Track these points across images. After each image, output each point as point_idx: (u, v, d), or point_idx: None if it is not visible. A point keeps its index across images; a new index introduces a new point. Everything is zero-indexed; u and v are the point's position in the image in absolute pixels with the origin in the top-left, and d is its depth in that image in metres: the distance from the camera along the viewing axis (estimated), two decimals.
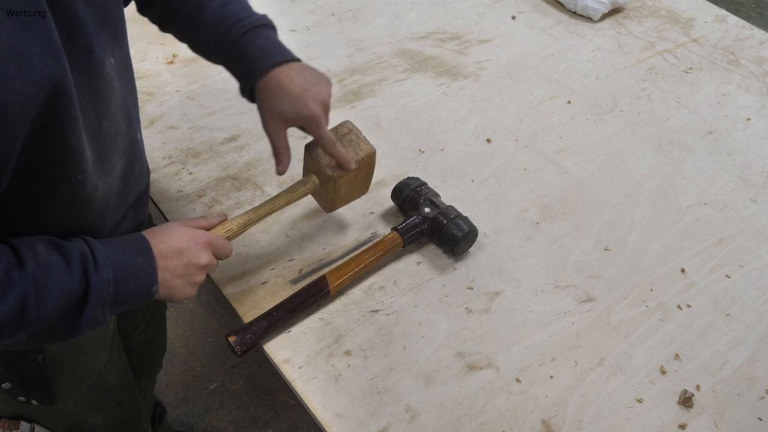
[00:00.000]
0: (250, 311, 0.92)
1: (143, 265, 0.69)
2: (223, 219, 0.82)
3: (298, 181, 0.91)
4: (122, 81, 0.70)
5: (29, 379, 0.83)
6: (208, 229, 0.80)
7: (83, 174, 0.64)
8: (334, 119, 1.23)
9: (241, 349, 0.85)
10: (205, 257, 0.75)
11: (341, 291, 0.95)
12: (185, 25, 0.86)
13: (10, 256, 0.60)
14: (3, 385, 0.82)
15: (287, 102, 0.79)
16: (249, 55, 0.79)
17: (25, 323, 0.60)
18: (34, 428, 0.93)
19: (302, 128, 0.86)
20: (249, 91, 0.84)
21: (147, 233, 0.72)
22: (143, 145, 0.82)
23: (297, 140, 1.18)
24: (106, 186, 0.71)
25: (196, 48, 0.89)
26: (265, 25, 0.82)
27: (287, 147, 0.85)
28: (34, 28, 0.52)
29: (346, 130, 0.91)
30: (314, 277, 0.95)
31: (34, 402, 0.86)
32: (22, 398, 0.85)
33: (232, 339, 0.86)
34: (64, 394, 0.88)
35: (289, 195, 0.89)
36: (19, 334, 0.61)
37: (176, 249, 0.72)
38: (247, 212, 0.86)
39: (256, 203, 1.06)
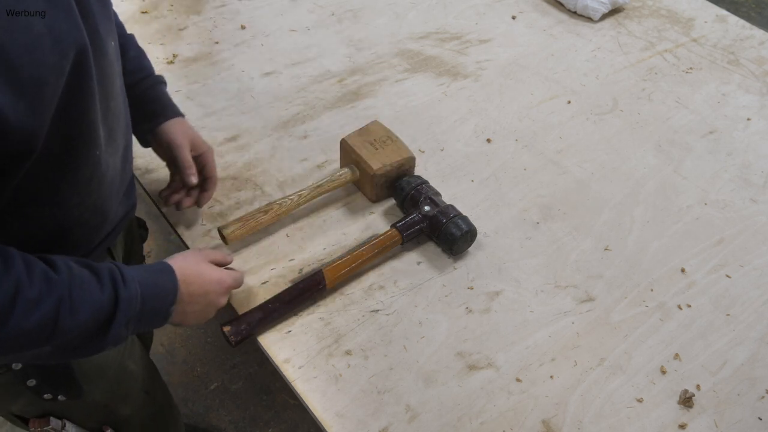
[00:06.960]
0: None
1: (168, 286, 0.74)
2: (230, 260, 0.90)
3: (338, 173, 1.06)
4: (119, 67, 0.75)
5: (54, 373, 0.84)
6: (222, 264, 0.87)
7: (99, 150, 0.69)
8: (334, 119, 1.24)
9: (235, 339, 0.86)
10: (224, 300, 0.84)
11: (341, 291, 0.95)
12: None
13: (44, 265, 0.62)
14: (27, 382, 0.82)
15: (192, 131, 1.00)
16: (163, 100, 0.99)
17: (57, 332, 0.61)
18: (65, 424, 0.93)
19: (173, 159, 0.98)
20: (150, 124, 0.96)
21: (176, 267, 0.77)
22: None
23: (296, 140, 1.18)
24: (113, 165, 0.75)
25: None
26: (165, 84, 1.02)
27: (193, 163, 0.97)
28: (61, 5, 0.55)
29: (384, 137, 1.06)
30: None
31: (61, 397, 0.87)
32: (48, 395, 0.86)
33: (226, 329, 0.86)
34: (89, 384, 0.90)
35: (330, 184, 1.05)
36: (47, 344, 0.63)
37: (203, 291, 0.80)
38: (294, 199, 1.02)
39: (256, 203, 1.06)
